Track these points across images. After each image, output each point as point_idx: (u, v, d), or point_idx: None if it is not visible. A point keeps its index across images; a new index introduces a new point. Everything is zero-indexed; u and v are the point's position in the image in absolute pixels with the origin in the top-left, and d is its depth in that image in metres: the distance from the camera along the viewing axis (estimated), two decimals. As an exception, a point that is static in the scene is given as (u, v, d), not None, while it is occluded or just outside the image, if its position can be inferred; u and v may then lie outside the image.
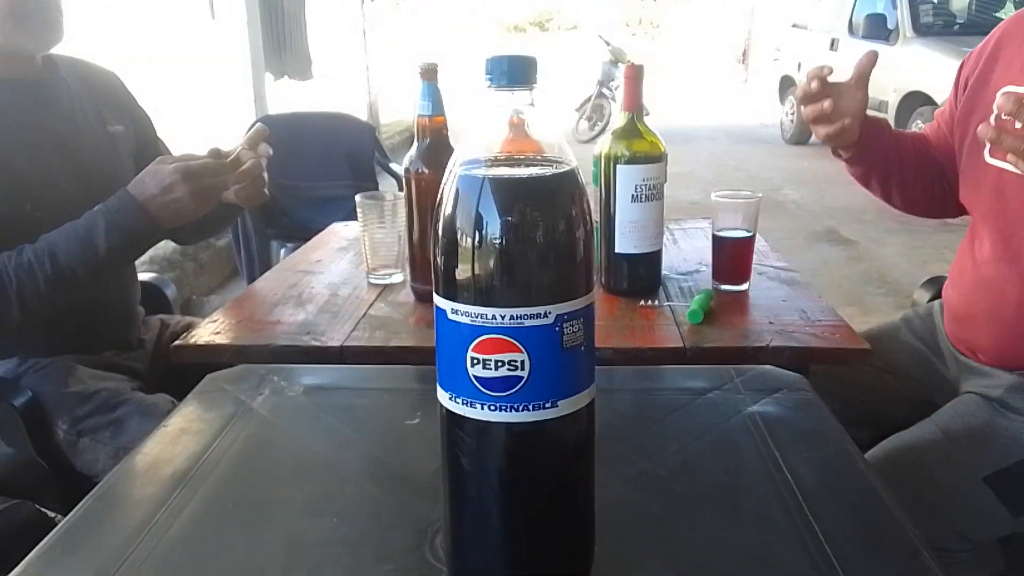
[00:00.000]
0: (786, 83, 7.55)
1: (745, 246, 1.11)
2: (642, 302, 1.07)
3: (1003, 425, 0.98)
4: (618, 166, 1.05)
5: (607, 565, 0.52)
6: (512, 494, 0.46)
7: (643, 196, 1.05)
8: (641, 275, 1.10)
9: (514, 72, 0.43)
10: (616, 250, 1.08)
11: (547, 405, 0.43)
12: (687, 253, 1.31)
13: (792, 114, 7.33)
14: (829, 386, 1.16)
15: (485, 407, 0.43)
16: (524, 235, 0.42)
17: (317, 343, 0.94)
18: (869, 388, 1.17)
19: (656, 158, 1.07)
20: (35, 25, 1.03)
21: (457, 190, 0.43)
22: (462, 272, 0.43)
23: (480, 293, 0.42)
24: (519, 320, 0.42)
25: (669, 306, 1.05)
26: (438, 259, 0.44)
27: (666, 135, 1.12)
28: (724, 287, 1.12)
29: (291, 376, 0.82)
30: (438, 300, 0.44)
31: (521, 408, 0.43)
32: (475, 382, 0.43)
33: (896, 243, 3.83)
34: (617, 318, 1.02)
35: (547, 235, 0.43)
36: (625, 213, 1.06)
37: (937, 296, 1.25)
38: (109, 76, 1.25)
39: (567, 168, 0.44)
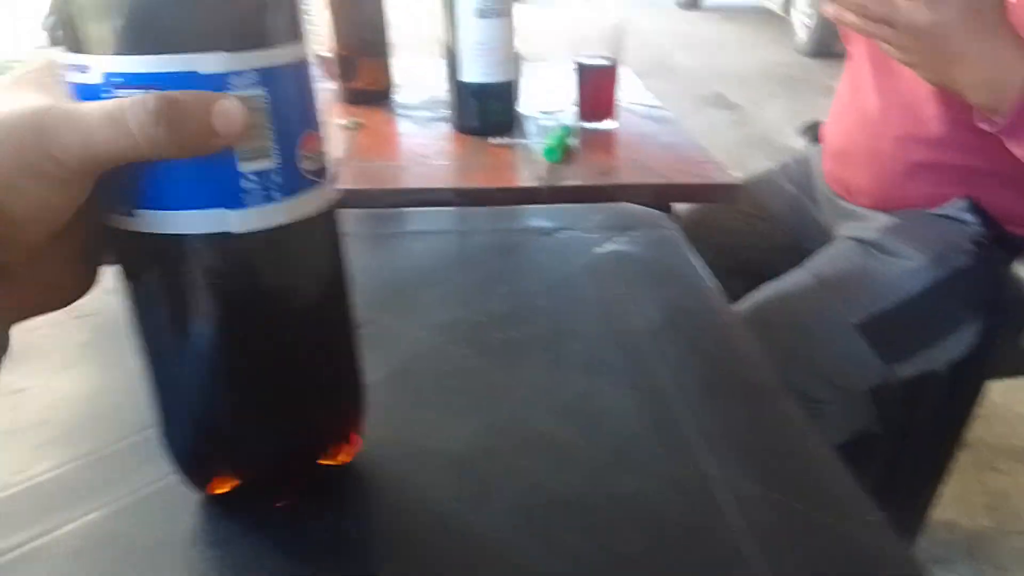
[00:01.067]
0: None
1: (607, 76, 0.98)
2: (492, 140, 0.93)
3: (876, 268, 0.92)
4: (461, -25, 0.89)
5: (398, 424, 0.41)
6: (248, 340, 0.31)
7: (491, 11, 0.89)
8: (492, 109, 0.96)
9: None
10: (462, 79, 0.93)
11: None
12: (553, 91, 1.17)
13: (686, -23, 7.14)
14: (701, 234, 1.07)
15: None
16: None
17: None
18: (742, 235, 1.09)
19: (506, -33, 0.91)
20: None
21: None
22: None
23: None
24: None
25: (524, 143, 0.92)
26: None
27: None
28: (588, 125, 0.99)
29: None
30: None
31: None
32: (246, 179, 0.27)
33: (779, 106, 3.81)
34: (462, 157, 0.88)
35: None
36: (470, 32, 0.90)
37: (815, 141, 1.18)
38: None
39: None
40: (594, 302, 0.55)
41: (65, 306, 0.30)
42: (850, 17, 0.76)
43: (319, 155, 0.30)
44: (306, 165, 0.29)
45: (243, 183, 0.27)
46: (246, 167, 0.27)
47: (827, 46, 5.24)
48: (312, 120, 0.30)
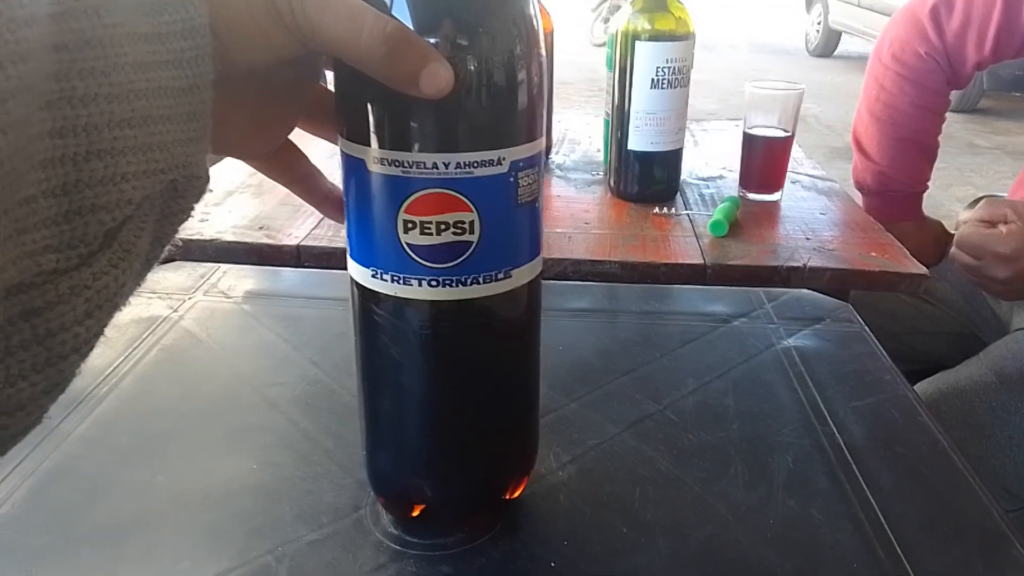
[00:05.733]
0: (814, -8, 7.13)
1: (780, 148, 0.95)
2: (656, 210, 0.92)
3: (1066, 368, 0.85)
4: (637, 43, 0.88)
5: (600, 535, 0.39)
6: (453, 393, 0.37)
7: (665, 81, 0.88)
8: (657, 177, 0.94)
9: None
10: (629, 146, 0.92)
11: (500, 276, 0.34)
12: (710, 156, 1.15)
13: (818, 25, 6.96)
14: (863, 316, 1.02)
15: (424, 283, 0.33)
16: (479, 52, 0.30)
17: (270, 241, 0.80)
18: (906, 320, 1.03)
19: (683, 36, 0.90)
20: None
21: None
22: (394, 106, 0.31)
23: (418, 134, 0.31)
24: (468, 169, 0.31)
25: (687, 215, 0.90)
26: (349, 88, 0.32)
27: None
28: (753, 196, 0.97)
29: (232, 278, 0.68)
30: (351, 146, 0.32)
31: (470, 282, 0.33)
32: (409, 252, 0.32)
33: (922, 165, 3.62)
34: (625, 227, 0.87)
35: (503, 55, 0.31)
36: (642, 102, 0.89)
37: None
38: None
39: None
40: (788, 406, 0.52)
41: (251, 153, 0.35)
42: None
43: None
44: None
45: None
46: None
47: (971, 102, 4.98)
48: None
